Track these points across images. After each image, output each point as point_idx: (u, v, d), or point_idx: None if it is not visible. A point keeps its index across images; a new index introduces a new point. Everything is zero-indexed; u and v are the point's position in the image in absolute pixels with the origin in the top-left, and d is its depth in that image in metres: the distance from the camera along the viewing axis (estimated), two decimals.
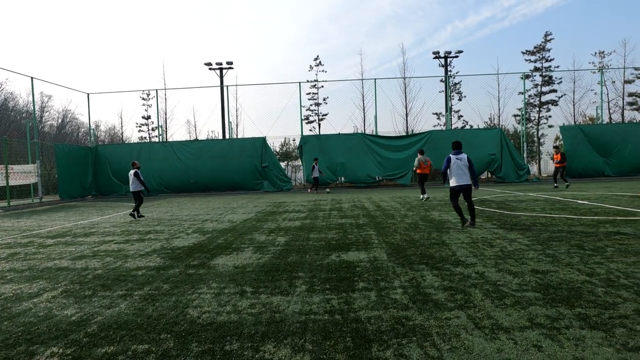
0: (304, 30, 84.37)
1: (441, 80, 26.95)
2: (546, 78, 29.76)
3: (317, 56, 31.08)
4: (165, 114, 30.12)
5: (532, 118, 30.18)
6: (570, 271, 4.52)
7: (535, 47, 30.65)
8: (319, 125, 30.31)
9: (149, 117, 32.83)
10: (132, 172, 11.25)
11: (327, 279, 4.64)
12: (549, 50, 30.19)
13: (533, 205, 10.84)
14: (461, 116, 29.75)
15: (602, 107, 25.99)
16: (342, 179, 23.45)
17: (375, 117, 24.16)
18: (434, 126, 28.72)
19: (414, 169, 13.51)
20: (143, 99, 32.19)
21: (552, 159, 17.51)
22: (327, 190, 20.54)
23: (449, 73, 27.08)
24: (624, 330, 2.98)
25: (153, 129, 32.74)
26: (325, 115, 30.23)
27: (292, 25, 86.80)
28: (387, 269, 4.96)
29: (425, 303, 3.74)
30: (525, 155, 24.60)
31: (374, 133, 23.97)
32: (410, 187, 21.71)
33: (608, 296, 3.69)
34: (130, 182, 11.28)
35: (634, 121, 27.77)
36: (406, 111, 28.19)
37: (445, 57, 25.85)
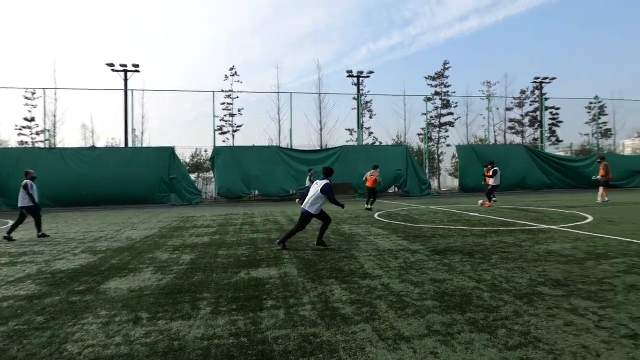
0: (223, 38, 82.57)
1: (354, 98, 28.30)
2: (445, 102, 32.97)
3: (233, 66, 30.41)
4: (55, 117, 26.88)
5: (433, 137, 33.08)
6: (463, 279, 4.92)
7: (436, 74, 33.85)
8: (233, 136, 29.63)
9: (32, 119, 28.87)
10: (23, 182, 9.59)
11: (234, 299, 4.43)
12: (447, 77, 33.55)
13: (433, 218, 11.76)
14: (372, 133, 31.44)
15: (489, 130, 29.57)
16: (256, 192, 23.11)
17: (291, 130, 24.43)
18: (347, 141, 29.88)
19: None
20: (27, 98, 28.27)
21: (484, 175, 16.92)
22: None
23: (361, 92, 28.56)
24: (505, 331, 3.29)
25: (37, 133, 28.83)
26: (240, 126, 29.67)
27: (209, 32, 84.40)
28: (297, 285, 4.90)
29: (333, 318, 3.75)
30: (427, 171, 26.82)
31: (289, 146, 24.16)
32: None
33: (493, 300, 4.08)
34: (20, 196, 9.61)
35: (514, 143, 32.00)
36: (321, 126, 28.97)
37: (358, 77, 27.26)
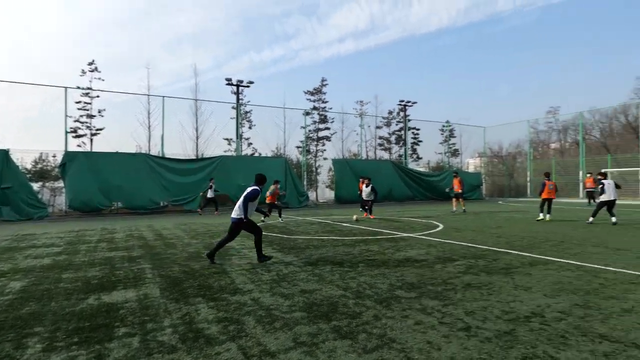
0: (83, 27, 72.75)
1: (233, 107, 27.77)
2: (322, 117, 34.69)
3: (93, 60, 26.81)
4: None
5: (311, 150, 34.42)
6: (332, 287, 5.10)
7: (314, 89, 35.47)
8: (92, 140, 26.14)
9: None
10: None
11: (76, 330, 3.78)
12: (324, 93, 35.41)
13: (309, 229, 12.10)
14: (251, 144, 31.23)
15: (361, 146, 32.08)
16: (119, 204, 20.70)
17: (162, 137, 22.71)
18: (225, 151, 29.09)
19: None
20: None
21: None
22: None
23: (240, 101, 28.19)
24: (365, 335, 3.47)
25: None
26: (101, 129, 26.32)
27: (66, 18, 73.63)
28: (158, 307, 4.44)
29: (196, 340, 3.46)
30: (305, 183, 27.71)
31: (161, 154, 22.39)
32: (197, 214, 21.04)
33: (356, 306, 4.29)
34: None
35: (382, 159, 35.31)
36: (197, 134, 27.64)
37: (237, 85, 26.85)
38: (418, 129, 38.26)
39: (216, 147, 31.22)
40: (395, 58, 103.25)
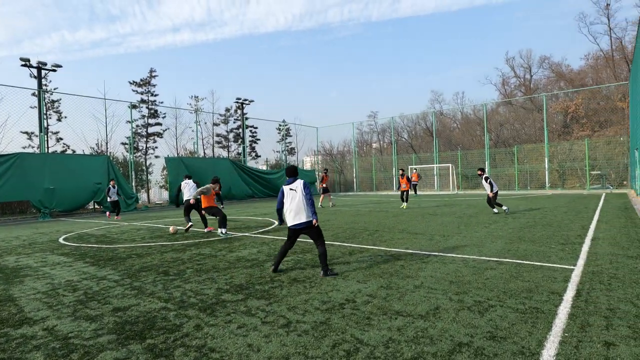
0: None
1: (33, 94, 22.88)
2: (152, 111, 31.79)
3: None
4: None
5: (141, 147, 31.23)
6: (152, 301, 4.63)
7: (142, 80, 32.18)
8: None
9: None
10: None
11: None
12: (154, 85, 32.53)
13: (134, 235, 10.88)
14: (61, 139, 26.43)
15: (197, 143, 30.64)
16: None
17: None
18: (24, 148, 23.85)
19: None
20: None
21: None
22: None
23: (44, 87, 23.42)
24: (183, 350, 3.24)
25: None
26: None
27: None
28: None
29: None
30: (134, 184, 24.92)
31: None
32: None
33: (177, 318, 3.99)
34: None
35: (221, 157, 34.52)
36: None
37: (39, 68, 22.14)
38: (256, 127, 38.90)
39: (10, 142, 25.18)
40: (233, 55, 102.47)
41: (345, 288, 4.85)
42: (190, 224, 10.85)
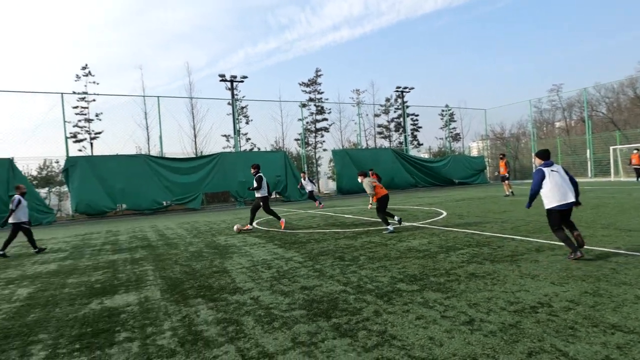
0: (76, 31, 72.36)
1: (228, 103, 27.60)
2: (319, 108, 34.47)
3: (86, 64, 26.81)
4: None
5: (310, 142, 34.26)
6: (332, 283, 5.04)
7: (309, 80, 35.19)
8: (91, 144, 26.20)
9: None
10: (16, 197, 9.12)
11: (78, 337, 3.76)
12: (319, 84, 35.16)
13: (310, 222, 12.04)
14: (249, 139, 31.12)
15: (360, 135, 31.87)
16: (123, 206, 20.77)
17: (160, 137, 22.61)
18: (224, 148, 29.00)
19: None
20: None
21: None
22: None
23: (236, 96, 28.00)
24: (365, 332, 3.40)
25: None
26: (99, 133, 26.37)
27: (61, 24, 73.22)
28: (158, 310, 4.40)
29: (194, 343, 3.42)
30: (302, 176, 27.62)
31: (160, 154, 22.35)
32: (201, 211, 21.07)
33: (357, 302, 4.23)
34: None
35: (382, 147, 35.10)
36: (194, 132, 27.57)
37: (232, 81, 26.64)
38: (417, 115, 37.99)
39: (214, 144, 31.18)
40: (391, 43, 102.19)
41: (536, 289, 4.30)
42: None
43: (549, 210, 5.62)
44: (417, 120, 38.50)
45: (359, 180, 9.32)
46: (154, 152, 24.36)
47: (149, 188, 20.51)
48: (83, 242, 10.92)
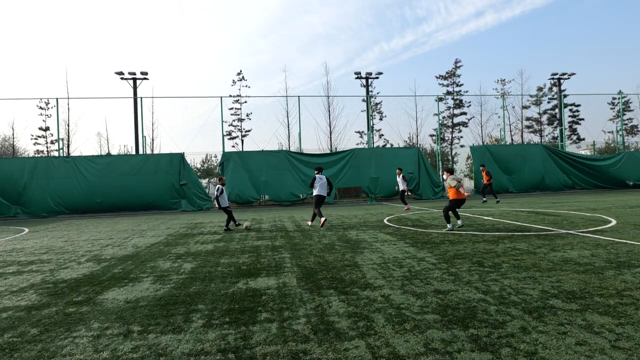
0: (233, 42, 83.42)
1: (363, 100, 28.05)
2: (457, 101, 32.41)
3: (240, 70, 30.67)
4: (68, 126, 27.53)
5: (446, 138, 32.52)
6: (469, 290, 4.64)
7: (447, 73, 33.34)
8: (242, 141, 29.79)
9: (47, 129, 29.73)
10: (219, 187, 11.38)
11: (228, 311, 4.26)
12: (459, 76, 33.02)
13: (445, 222, 11.39)
14: (382, 135, 31.13)
15: (504, 129, 28.85)
16: (266, 197, 23.05)
17: (300, 134, 24.31)
18: (357, 144, 29.66)
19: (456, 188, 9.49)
20: (41, 107, 29.16)
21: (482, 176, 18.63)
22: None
23: (370, 93, 28.29)
24: (509, 350, 3.02)
25: (52, 142, 29.67)
26: (249, 131, 29.80)
27: (219, 36, 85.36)
28: (294, 296, 4.71)
29: (327, 333, 3.54)
30: (440, 173, 26.30)
31: (299, 150, 24.04)
32: (334, 205, 21.96)
33: (499, 314, 3.79)
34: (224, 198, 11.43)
35: (531, 142, 31.17)
36: (330, 129, 28.82)
37: (367, 78, 26.99)
38: (578, 105, 32.61)
39: (348, 140, 32.24)
40: (544, 25, 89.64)
41: None
42: (323, 219, 10.92)
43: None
44: (577, 111, 33.11)
45: (444, 177, 9.63)
46: (293, 148, 26.37)
47: (288, 181, 22.38)
48: (233, 227, 12.45)
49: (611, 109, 32.27)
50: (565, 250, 6.70)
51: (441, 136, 28.95)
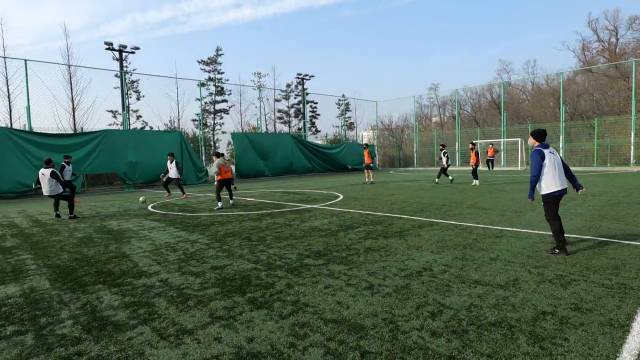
0: None
1: (116, 76, 24.93)
2: (219, 88, 33.25)
3: None
4: None
5: (209, 124, 32.97)
6: (242, 262, 5.17)
7: (209, 59, 33.61)
8: None
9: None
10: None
11: None
12: (220, 63, 33.87)
13: (212, 205, 11.80)
14: (140, 116, 28.68)
15: (261, 119, 31.69)
16: None
17: (28, 108, 19.41)
18: (110, 125, 26.27)
19: (215, 174, 11.03)
20: None
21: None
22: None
23: (125, 69, 25.41)
24: (280, 303, 3.67)
25: None
26: None
27: None
28: (50, 300, 4.04)
29: (103, 329, 3.29)
30: (203, 158, 26.57)
31: (27, 129, 19.27)
32: (81, 195, 18.90)
33: (269, 277, 4.46)
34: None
35: (282, 132, 35.46)
36: (73, 105, 24.34)
37: (120, 51, 24.02)
38: (316, 103, 39.24)
39: (98, 120, 27.98)
40: (293, 29, 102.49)
41: (420, 258, 5.05)
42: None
43: (548, 196, 5.03)
44: (315, 107, 39.76)
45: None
46: (18, 125, 20.89)
47: (11, 167, 17.58)
48: None
49: (338, 108, 40.45)
50: (311, 220, 8.25)
51: (204, 121, 29.14)
